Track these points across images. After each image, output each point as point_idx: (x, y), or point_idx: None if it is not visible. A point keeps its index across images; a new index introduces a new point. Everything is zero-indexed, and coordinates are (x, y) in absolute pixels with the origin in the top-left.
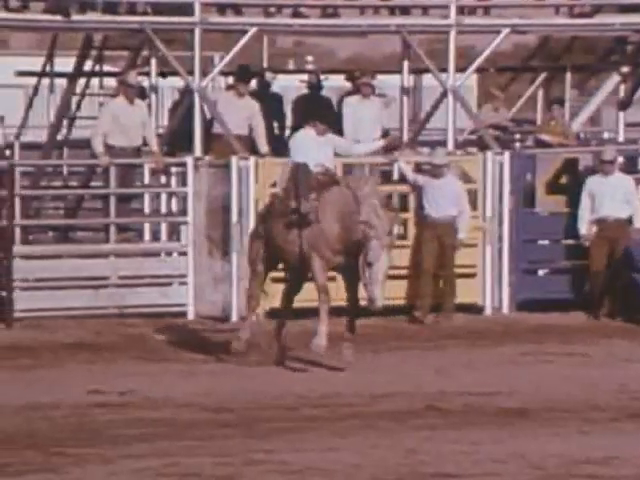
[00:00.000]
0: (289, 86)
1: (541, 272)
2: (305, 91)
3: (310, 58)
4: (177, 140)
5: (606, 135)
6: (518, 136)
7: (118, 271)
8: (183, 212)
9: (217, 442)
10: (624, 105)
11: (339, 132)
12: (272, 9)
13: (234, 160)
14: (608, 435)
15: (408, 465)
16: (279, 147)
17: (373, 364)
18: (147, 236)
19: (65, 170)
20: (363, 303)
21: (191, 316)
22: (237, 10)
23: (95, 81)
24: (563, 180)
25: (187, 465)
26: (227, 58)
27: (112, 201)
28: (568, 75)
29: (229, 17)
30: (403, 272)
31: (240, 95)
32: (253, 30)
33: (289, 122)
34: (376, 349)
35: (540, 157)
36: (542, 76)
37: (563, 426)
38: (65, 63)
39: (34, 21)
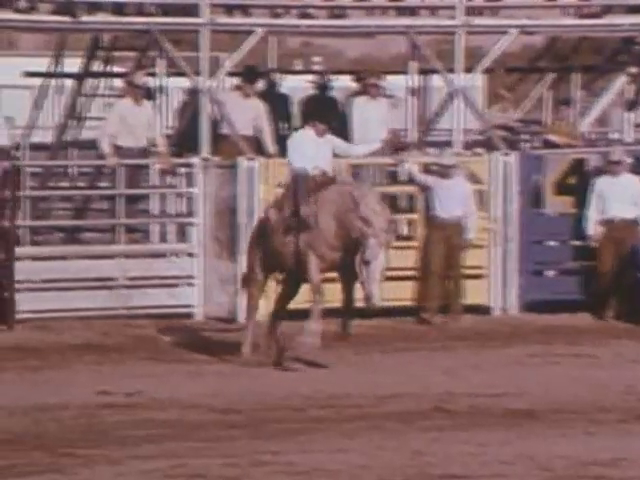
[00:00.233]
0: (296, 87)
1: (549, 273)
2: (312, 92)
3: (317, 59)
4: (184, 141)
5: (614, 136)
6: (526, 137)
7: (126, 272)
8: (191, 213)
9: (224, 443)
10: (632, 106)
11: (346, 133)
12: (279, 10)
13: (241, 161)
14: (616, 436)
15: (415, 466)
16: (286, 148)
17: (380, 365)
18: (155, 237)
19: (73, 171)
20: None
21: (198, 317)
22: (244, 11)
23: (103, 82)
24: (571, 181)
25: (194, 466)
26: (234, 59)
27: (120, 202)
28: (576, 76)
29: (236, 18)
30: (411, 273)
31: (246, 96)
32: (260, 31)
33: (296, 123)
34: (383, 350)
35: (548, 158)
36: (550, 77)
37: (571, 427)
38: (73, 64)
39: (42, 22)
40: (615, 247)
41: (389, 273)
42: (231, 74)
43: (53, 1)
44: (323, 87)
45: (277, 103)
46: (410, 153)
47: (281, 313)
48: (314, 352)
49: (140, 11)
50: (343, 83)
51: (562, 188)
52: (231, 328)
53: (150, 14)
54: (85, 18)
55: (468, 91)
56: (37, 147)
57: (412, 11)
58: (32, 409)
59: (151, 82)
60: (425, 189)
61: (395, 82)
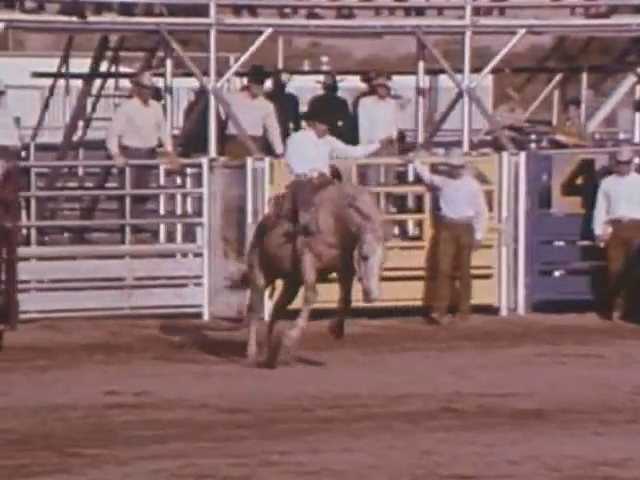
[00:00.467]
0: (304, 87)
1: (557, 273)
2: (320, 92)
3: (325, 59)
4: (192, 141)
5: (622, 136)
6: (534, 137)
7: (133, 272)
8: (198, 213)
9: (232, 443)
10: None
11: (354, 133)
12: (287, 10)
13: (249, 161)
14: (624, 436)
15: (423, 466)
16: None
17: (388, 365)
18: (162, 237)
19: (81, 171)
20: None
21: (206, 317)
22: (252, 11)
23: (111, 82)
24: (579, 181)
25: (202, 466)
26: (242, 59)
27: (127, 202)
28: (584, 76)
29: (244, 18)
30: (419, 273)
31: (254, 96)
32: (268, 31)
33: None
34: (391, 350)
35: (556, 158)
36: (558, 77)
37: (579, 427)
38: (81, 64)
39: (50, 22)
40: (623, 247)
41: (398, 273)
42: (239, 74)
43: (61, 1)
44: (331, 87)
45: (285, 103)
46: (417, 153)
47: (280, 313)
48: (290, 345)
49: (148, 11)
50: (351, 83)
51: (570, 188)
52: (235, 327)
53: (158, 14)
54: (93, 18)
55: (476, 91)
56: (45, 147)
57: (420, 11)
58: (40, 409)
59: (159, 82)
60: (433, 189)
61: (403, 82)
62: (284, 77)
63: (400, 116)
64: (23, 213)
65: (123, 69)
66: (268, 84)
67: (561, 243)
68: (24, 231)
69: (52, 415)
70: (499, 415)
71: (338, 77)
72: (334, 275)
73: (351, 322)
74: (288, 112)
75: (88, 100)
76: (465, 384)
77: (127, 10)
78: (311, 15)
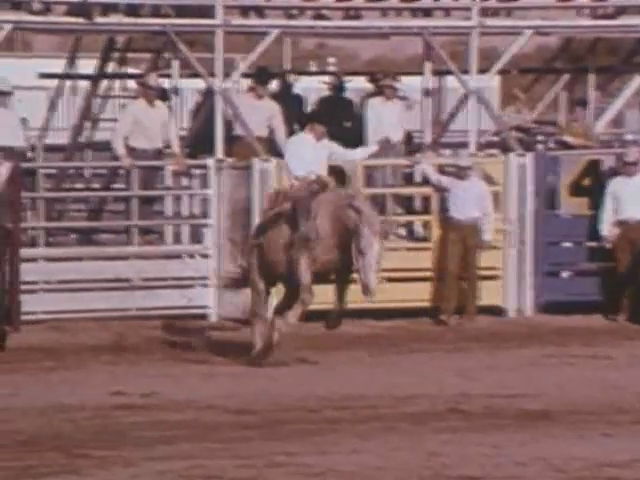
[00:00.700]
0: (311, 88)
1: (564, 274)
2: (327, 93)
3: (332, 60)
4: (199, 142)
5: (629, 137)
6: (541, 138)
7: (140, 273)
8: (205, 214)
9: (239, 444)
10: None
11: (361, 134)
12: (294, 11)
13: (256, 162)
14: (631, 438)
15: (430, 468)
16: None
17: (395, 366)
18: (169, 238)
19: (87, 172)
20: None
21: (213, 318)
22: (259, 12)
23: (117, 83)
24: (586, 182)
25: (210, 467)
26: (249, 60)
27: (134, 203)
28: (591, 76)
29: (251, 19)
30: (426, 274)
31: (259, 97)
32: (275, 32)
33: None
34: (399, 351)
35: (563, 159)
36: (565, 78)
37: (586, 429)
38: (87, 65)
39: (57, 23)
40: (630, 248)
41: (404, 274)
42: (246, 75)
43: (68, 2)
44: (338, 88)
45: (292, 104)
46: (425, 154)
47: (282, 312)
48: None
49: (155, 12)
50: (358, 84)
51: (577, 189)
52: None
53: (165, 15)
54: (100, 19)
55: (483, 92)
56: (52, 148)
57: (427, 12)
58: (47, 410)
59: (166, 83)
60: (441, 190)
61: (410, 83)
62: (291, 78)
63: (407, 117)
64: (30, 214)
65: (130, 70)
66: (275, 85)
67: (568, 244)
68: (31, 232)
69: (59, 416)
70: (506, 416)
71: (345, 78)
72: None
73: (358, 323)
74: (294, 113)
75: (95, 101)
76: (472, 385)
77: (134, 11)
78: (318, 16)
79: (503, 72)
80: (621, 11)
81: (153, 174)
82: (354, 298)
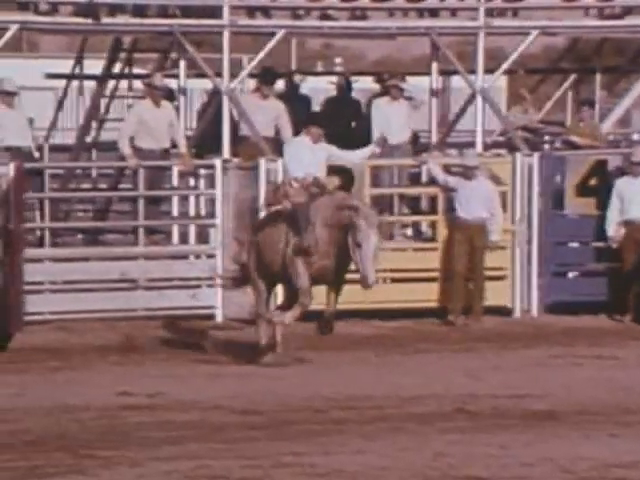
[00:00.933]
0: (318, 88)
1: (571, 274)
2: (334, 93)
3: (339, 60)
4: (206, 142)
5: (636, 137)
6: (547, 138)
7: (147, 273)
8: (211, 214)
9: (245, 445)
10: None
11: (367, 134)
12: (301, 11)
13: (262, 162)
14: (639, 438)
15: (437, 468)
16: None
17: (401, 366)
18: (175, 239)
19: (94, 172)
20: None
21: (219, 318)
22: (266, 12)
23: (124, 83)
24: (592, 182)
25: (215, 468)
26: (256, 60)
27: (141, 203)
28: (598, 77)
29: (258, 19)
30: (432, 274)
31: (264, 97)
32: (282, 32)
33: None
34: (405, 351)
35: (569, 159)
36: (571, 78)
37: (593, 429)
38: (94, 65)
39: (64, 24)
40: (636, 248)
41: (411, 275)
42: (253, 76)
43: (75, 3)
44: (344, 88)
45: (298, 105)
46: (431, 154)
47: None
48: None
49: (162, 13)
50: (364, 84)
51: (584, 189)
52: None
53: (172, 16)
54: (107, 20)
55: (490, 92)
56: (59, 148)
57: (433, 12)
58: (54, 410)
59: (172, 84)
60: (448, 190)
61: (416, 83)
62: (297, 78)
63: (414, 117)
64: (37, 214)
65: (136, 70)
66: (281, 85)
67: (575, 244)
68: (38, 232)
69: (65, 416)
70: (513, 417)
71: (352, 78)
72: (349, 276)
73: (364, 323)
74: (301, 113)
75: (101, 101)
76: (479, 385)
77: (141, 12)
78: (324, 16)
79: (510, 72)
80: (628, 11)
81: (160, 174)
82: (361, 299)
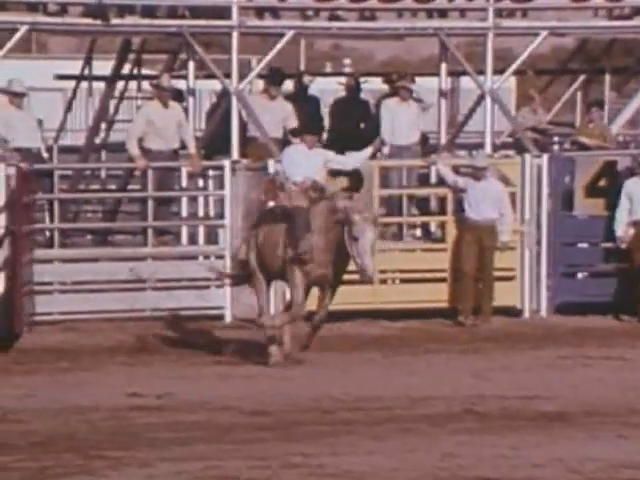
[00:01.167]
0: (326, 89)
1: (580, 275)
2: (343, 94)
3: (348, 61)
4: (214, 143)
5: None
6: (556, 139)
7: (156, 274)
8: (220, 215)
9: (254, 445)
10: None
11: (376, 135)
12: (310, 12)
13: (271, 163)
14: None
15: (446, 469)
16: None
17: (410, 367)
18: (185, 239)
19: (103, 173)
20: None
21: (228, 319)
22: (275, 13)
23: (133, 84)
24: (602, 183)
25: (224, 468)
26: (265, 61)
27: (150, 204)
28: (607, 77)
29: (267, 20)
30: (441, 275)
31: (272, 98)
32: (291, 33)
33: (326, 125)
34: (413, 352)
35: (579, 160)
36: (581, 78)
37: (602, 430)
38: (103, 66)
39: (73, 25)
40: None
41: (420, 275)
42: (261, 77)
43: (84, 4)
44: (353, 89)
45: (308, 106)
46: (440, 155)
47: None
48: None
49: (171, 14)
50: (373, 85)
51: (593, 190)
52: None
53: (181, 17)
54: (116, 21)
55: (499, 93)
56: (68, 150)
57: (442, 13)
58: (63, 411)
59: (181, 84)
60: (457, 191)
61: (425, 84)
62: (306, 79)
63: (423, 118)
64: (46, 215)
65: (145, 71)
66: (290, 86)
67: (584, 245)
68: (47, 233)
69: (75, 417)
70: (522, 418)
71: (362, 79)
72: (352, 277)
73: (373, 324)
74: (311, 114)
75: (111, 102)
76: (487, 386)
77: (150, 12)
78: (333, 17)
79: (519, 73)
80: (637, 12)
81: (169, 175)
82: (370, 299)
